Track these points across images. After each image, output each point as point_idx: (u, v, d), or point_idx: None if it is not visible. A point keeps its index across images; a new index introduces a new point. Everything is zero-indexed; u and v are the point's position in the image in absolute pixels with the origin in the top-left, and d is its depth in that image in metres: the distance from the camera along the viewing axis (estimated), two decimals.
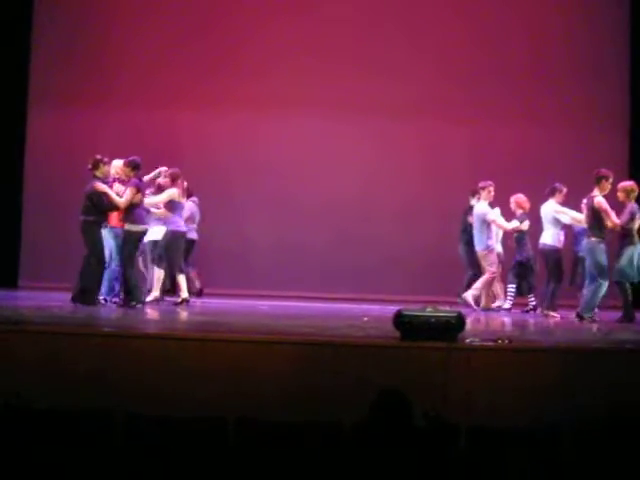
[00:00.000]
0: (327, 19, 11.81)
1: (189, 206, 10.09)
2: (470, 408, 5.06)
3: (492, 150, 11.63)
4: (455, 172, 11.51)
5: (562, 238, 9.21)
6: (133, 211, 8.54)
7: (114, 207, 8.56)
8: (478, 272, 10.13)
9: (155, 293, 9.11)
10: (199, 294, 10.42)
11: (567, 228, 9.36)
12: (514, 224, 9.73)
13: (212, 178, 11.30)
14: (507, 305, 9.83)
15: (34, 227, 11.83)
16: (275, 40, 11.75)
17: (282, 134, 11.86)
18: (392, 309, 6.00)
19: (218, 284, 10.98)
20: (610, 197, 8.60)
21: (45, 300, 8.89)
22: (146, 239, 9.09)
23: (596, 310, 8.52)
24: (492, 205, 9.99)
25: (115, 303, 8.73)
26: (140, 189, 8.61)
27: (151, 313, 8.13)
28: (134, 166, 8.67)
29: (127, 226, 8.55)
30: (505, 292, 10.09)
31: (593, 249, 8.36)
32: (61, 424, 4.19)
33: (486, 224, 9.84)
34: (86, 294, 8.42)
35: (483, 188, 9.97)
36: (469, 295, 9.78)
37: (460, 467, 3.93)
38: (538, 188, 10.39)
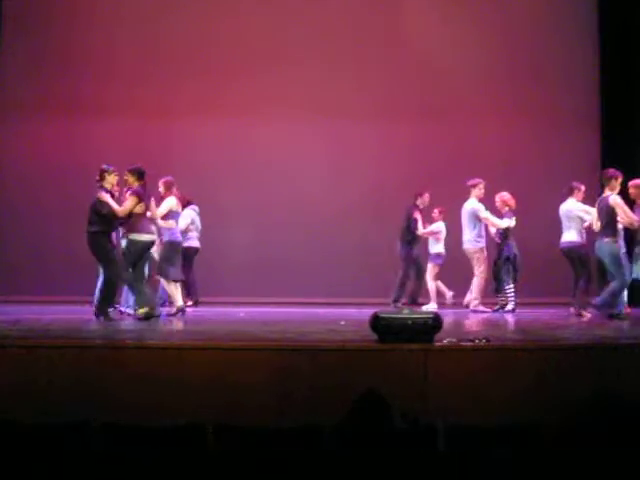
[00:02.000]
0: (307, 25, 11.91)
1: (188, 214, 10.05)
2: (449, 408, 5.06)
3: (468, 152, 11.71)
4: (429, 176, 11.52)
5: (584, 235, 9.01)
6: (137, 220, 8.25)
7: (113, 215, 8.20)
8: (408, 272, 10.30)
9: (179, 304, 8.98)
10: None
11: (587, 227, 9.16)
12: (506, 222, 9.66)
13: (184, 185, 11.23)
14: (511, 306, 9.63)
15: (6, 240, 11.70)
16: (255, 47, 11.82)
17: (247, 142, 11.90)
18: (368, 312, 5.99)
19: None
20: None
21: (17, 314, 8.78)
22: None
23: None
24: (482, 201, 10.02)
25: (129, 315, 8.64)
26: (142, 198, 8.27)
27: (127, 324, 8.04)
28: (139, 174, 8.36)
29: (131, 235, 8.29)
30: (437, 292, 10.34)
31: (609, 249, 8.29)
32: (36, 437, 4.13)
33: (476, 222, 9.80)
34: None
35: (474, 186, 9.94)
36: (473, 305, 9.82)
37: (440, 468, 3.93)
38: (517, 187, 10.44)
